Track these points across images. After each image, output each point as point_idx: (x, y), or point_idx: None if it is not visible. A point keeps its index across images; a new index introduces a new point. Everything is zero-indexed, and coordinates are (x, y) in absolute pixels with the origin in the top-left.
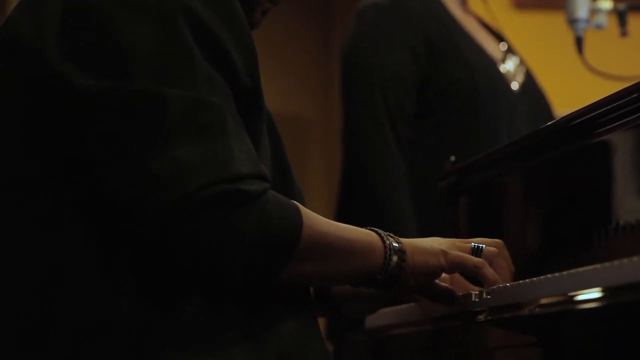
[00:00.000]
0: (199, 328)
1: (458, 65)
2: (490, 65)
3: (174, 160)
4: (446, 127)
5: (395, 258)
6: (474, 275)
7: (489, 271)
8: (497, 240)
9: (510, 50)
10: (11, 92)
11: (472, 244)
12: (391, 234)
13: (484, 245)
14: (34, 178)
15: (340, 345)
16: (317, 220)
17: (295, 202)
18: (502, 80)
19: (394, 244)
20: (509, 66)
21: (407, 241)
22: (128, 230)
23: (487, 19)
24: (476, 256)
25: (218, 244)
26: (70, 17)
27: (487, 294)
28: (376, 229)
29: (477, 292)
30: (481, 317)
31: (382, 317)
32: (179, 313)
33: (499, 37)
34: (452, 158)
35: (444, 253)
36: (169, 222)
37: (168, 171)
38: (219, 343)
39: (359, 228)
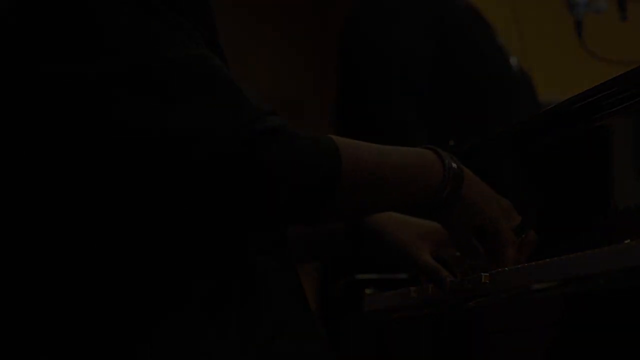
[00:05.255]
0: (197, 306)
1: (470, 54)
2: (503, 58)
3: (198, 118)
4: (454, 111)
5: (452, 175)
6: (495, 248)
7: (510, 252)
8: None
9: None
10: None
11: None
12: (450, 154)
13: (530, 231)
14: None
15: (339, 329)
16: (356, 146)
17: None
18: (513, 73)
19: (453, 165)
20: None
21: (468, 171)
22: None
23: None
24: (517, 233)
25: (260, 189)
26: (31, 12)
27: (487, 277)
28: (434, 147)
29: (477, 276)
30: (481, 301)
31: (381, 300)
32: (177, 288)
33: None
34: (451, 142)
35: (493, 209)
36: (209, 177)
37: (195, 128)
38: (217, 317)
39: (411, 149)
